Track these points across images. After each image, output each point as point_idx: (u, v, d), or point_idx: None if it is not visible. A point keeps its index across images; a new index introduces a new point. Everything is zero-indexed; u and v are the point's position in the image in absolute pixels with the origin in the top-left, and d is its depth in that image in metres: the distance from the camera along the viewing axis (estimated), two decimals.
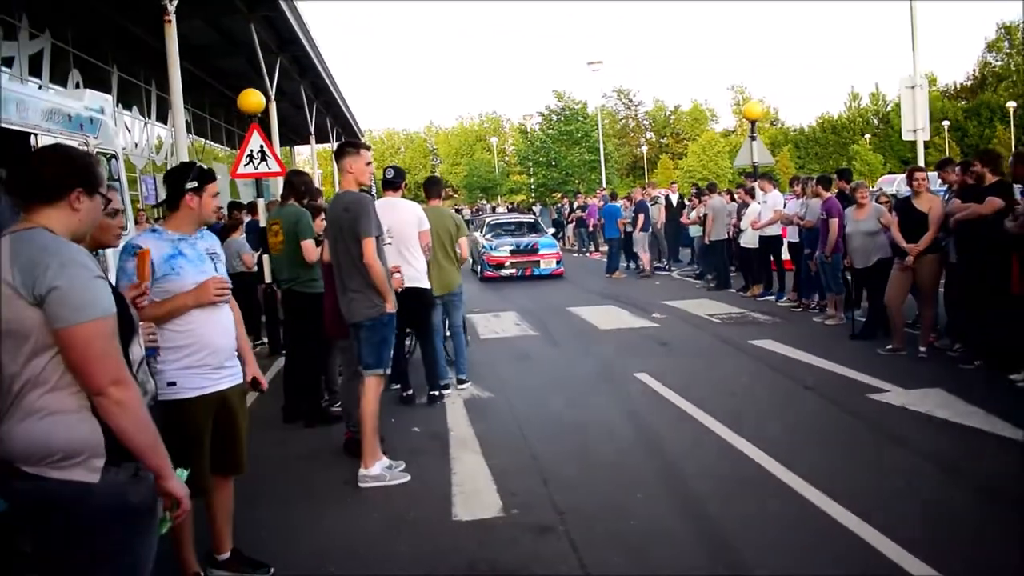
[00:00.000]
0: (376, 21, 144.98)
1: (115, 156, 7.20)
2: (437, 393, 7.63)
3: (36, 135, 5.51)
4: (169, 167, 19.62)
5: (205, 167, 3.93)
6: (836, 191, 11.03)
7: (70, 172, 2.51)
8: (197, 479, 3.73)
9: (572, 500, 5.00)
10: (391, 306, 5.46)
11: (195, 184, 3.75)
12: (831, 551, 4.15)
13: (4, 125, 5.06)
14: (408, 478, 5.48)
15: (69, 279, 2.30)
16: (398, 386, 7.75)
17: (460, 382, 8.12)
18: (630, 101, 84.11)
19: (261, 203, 11.25)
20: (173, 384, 3.65)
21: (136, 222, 10.87)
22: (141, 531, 2.53)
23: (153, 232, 3.76)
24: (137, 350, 2.65)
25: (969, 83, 69.84)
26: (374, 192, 10.07)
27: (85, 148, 6.32)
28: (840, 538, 4.25)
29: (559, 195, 45.02)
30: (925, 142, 15.17)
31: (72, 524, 2.40)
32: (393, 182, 7.32)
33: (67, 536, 2.42)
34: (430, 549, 4.42)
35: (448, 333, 8.42)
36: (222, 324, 3.82)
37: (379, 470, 5.44)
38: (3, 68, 13.11)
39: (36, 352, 2.33)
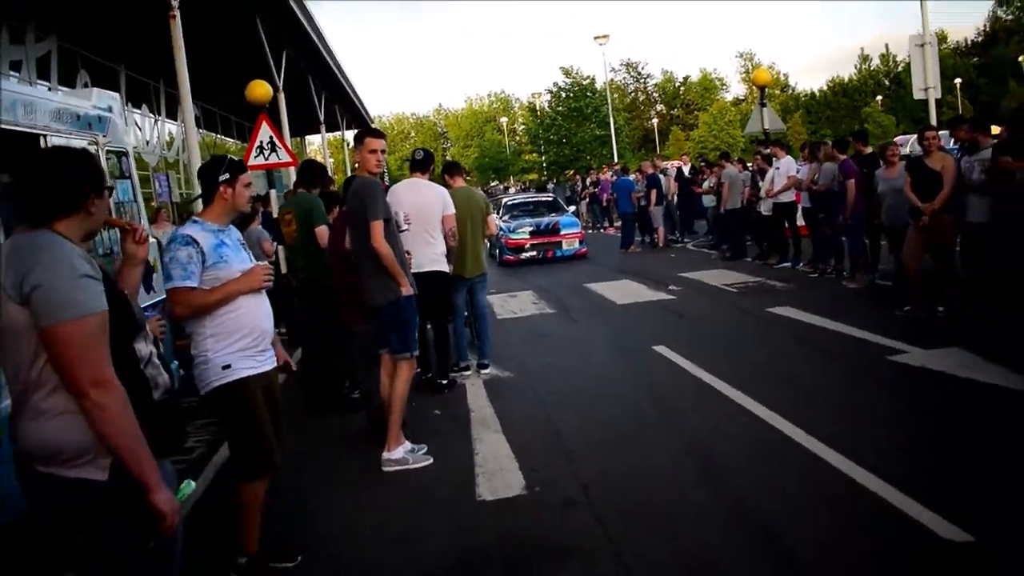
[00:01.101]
0: (380, 4, 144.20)
1: (125, 154, 7.20)
2: (446, 381, 7.53)
3: (45, 136, 5.51)
4: (181, 163, 19.87)
5: (235, 159, 4.04)
6: (852, 153, 10.99)
7: (84, 181, 2.53)
8: (267, 454, 3.91)
9: (595, 474, 5.02)
10: (407, 289, 5.47)
11: (227, 176, 3.89)
12: (856, 515, 4.15)
13: (11, 128, 5.05)
14: (431, 461, 5.51)
15: (51, 278, 2.29)
16: (418, 370, 7.74)
17: (481, 366, 7.98)
18: (639, 74, 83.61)
19: (273, 194, 11.28)
20: (228, 367, 3.78)
21: (152, 221, 10.91)
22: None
23: (196, 223, 3.88)
24: (143, 346, 2.66)
25: (980, 39, 68.68)
26: (387, 179, 10.07)
27: (94, 147, 6.34)
28: (865, 501, 4.24)
29: (571, 172, 44.83)
30: (937, 100, 15.00)
31: (92, 520, 2.44)
32: (422, 163, 7.26)
33: (90, 532, 2.46)
34: (455, 529, 4.46)
35: (469, 315, 8.31)
36: (264, 309, 3.98)
37: (402, 454, 5.49)
38: (11, 72, 13.15)
39: (35, 353, 2.34)
